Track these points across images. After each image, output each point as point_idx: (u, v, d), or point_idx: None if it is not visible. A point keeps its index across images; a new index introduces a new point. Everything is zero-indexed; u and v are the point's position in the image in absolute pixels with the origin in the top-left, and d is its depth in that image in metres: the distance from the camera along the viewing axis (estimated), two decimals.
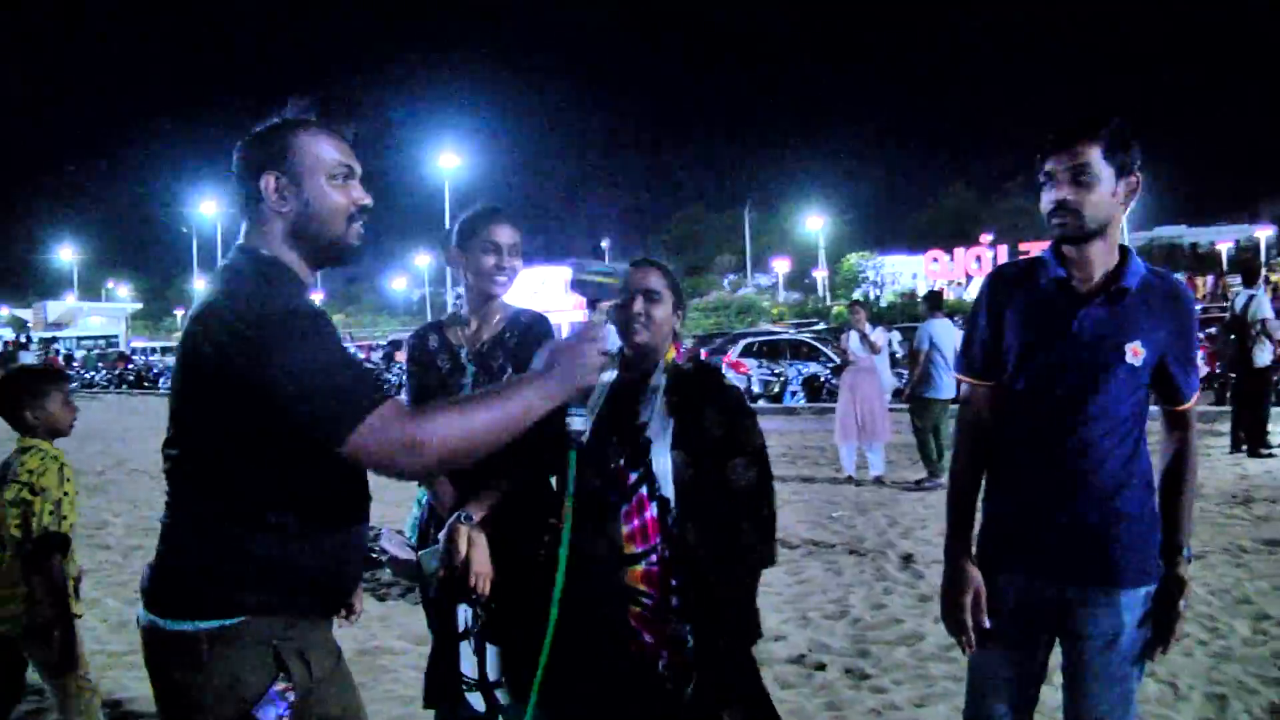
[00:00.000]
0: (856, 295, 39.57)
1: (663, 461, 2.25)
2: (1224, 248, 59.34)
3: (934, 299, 9.39)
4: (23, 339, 32.13)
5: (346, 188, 1.74)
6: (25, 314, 60.30)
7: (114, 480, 10.52)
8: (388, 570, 5.75)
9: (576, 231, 74.84)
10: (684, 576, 2.24)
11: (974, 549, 2.19)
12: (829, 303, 44.70)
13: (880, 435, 8.88)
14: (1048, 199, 2.02)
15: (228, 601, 1.59)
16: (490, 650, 2.49)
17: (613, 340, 1.86)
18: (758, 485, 2.26)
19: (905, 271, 47.96)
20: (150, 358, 40.39)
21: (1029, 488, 2.12)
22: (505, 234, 2.55)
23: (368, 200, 1.77)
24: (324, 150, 1.72)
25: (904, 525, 6.85)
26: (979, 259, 39.03)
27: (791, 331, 24.69)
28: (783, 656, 4.25)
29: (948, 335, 8.74)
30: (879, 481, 8.71)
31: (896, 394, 10.63)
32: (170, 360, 34.41)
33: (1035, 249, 37.02)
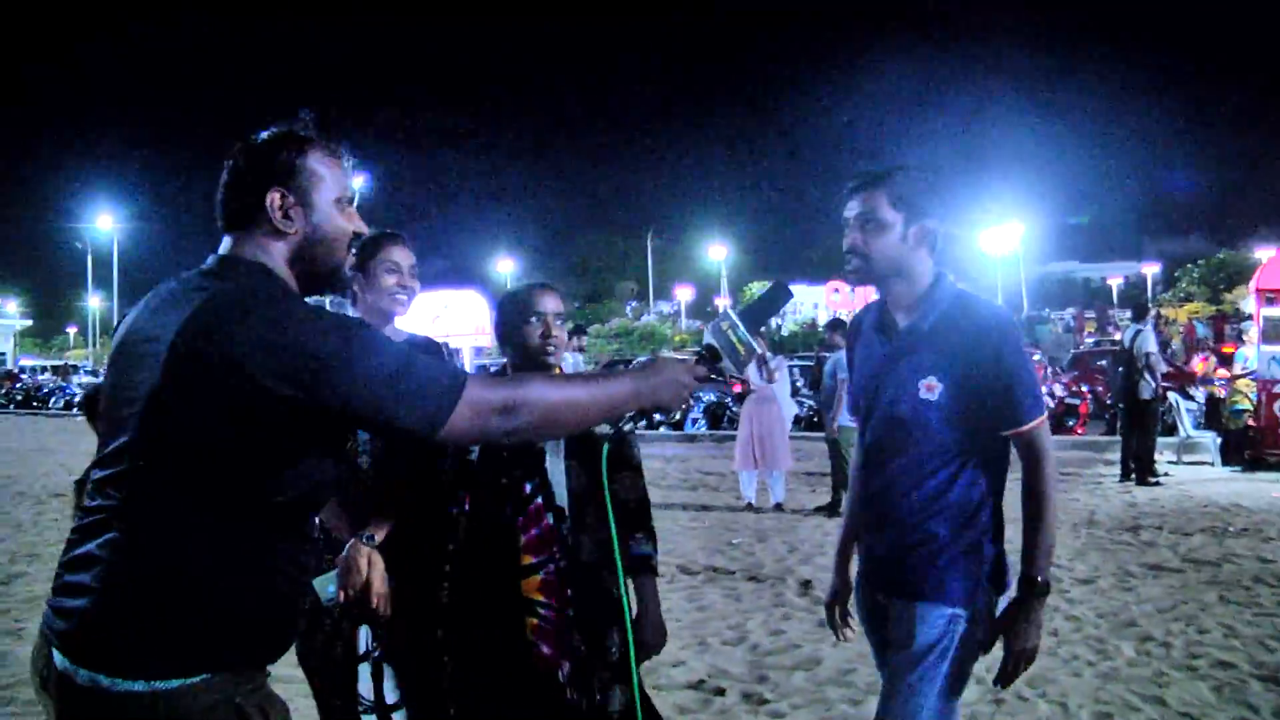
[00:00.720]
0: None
1: (557, 471, 2.31)
2: (1115, 283, 62.54)
3: (842, 327, 9.50)
4: None
5: (349, 214, 1.67)
6: None
7: None
8: None
9: (479, 254, 74.16)
10: (578, 586, 2.29)
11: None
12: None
13: (780, 463, 9.02)
14: (844, 243, 2.19)
15: (191, 656, 1.42)
16: (388, 672, 2.47)
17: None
18: (643, 497, 2.39)
19: (807, 301, 49.02)
20: (39, 376, 38.35)
21: (862, 511, 2.35)
22: (405, 256, 2.61)
23: (364, 229, 1.71)
24: (333, 173, 1.64)
25: (803, 552, 6.97)
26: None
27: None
28: (681, 682, 4.26)
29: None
30: (779, 508, 8.84)
31: (796, 421, 10.85)
32: (60, 379, 32.74)
33: None
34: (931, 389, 2.09)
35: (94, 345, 59.65)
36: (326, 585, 2.41)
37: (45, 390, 32.29)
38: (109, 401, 1.53)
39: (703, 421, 17.97)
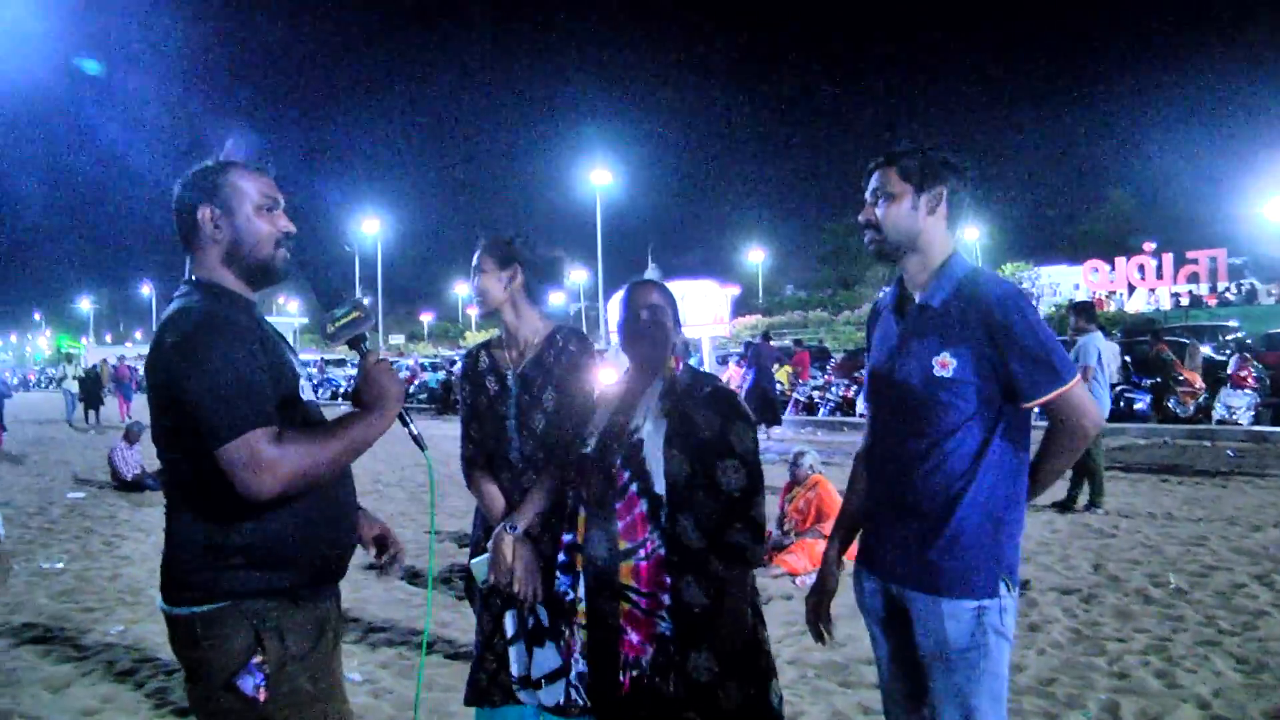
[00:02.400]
0: None
1: (655, 460, 2.34)
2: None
3: (1088, 311, 8.64)
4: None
5: (272, 216, 1.97)
6: None
7: None
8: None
9: (727, 244, 74.83)
10: (675, 573, 2.31)
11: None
12: None
13: None
14: (859, 220, 2.23)
15: (213, 589, 1.80)
16: (537, 652, 2.59)
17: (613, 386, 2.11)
18: (748, 487, 2.33)
19: (1065, 282, 45.61)
20: (325, 371, 42.68)
21: (872, 497, 2.28)
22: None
23: (291, 228, 2.00)
24: (251, 185, 1.96)
25: (1024, 549, 6.53)
26: (1141, 268, 36.57)
27: None
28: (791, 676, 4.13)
29: (1107, 351, 8.27)
30: None
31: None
32: (340, 372, 36.23)
33: (1204, 257, 34.94)
34: (945, 366, 2.07)
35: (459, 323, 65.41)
36: (481, 568, 2.62)
37: (315, 383, 35.81)
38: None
39: None
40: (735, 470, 2.31)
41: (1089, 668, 4.17)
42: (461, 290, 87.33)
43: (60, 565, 6.72)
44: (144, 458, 10.68)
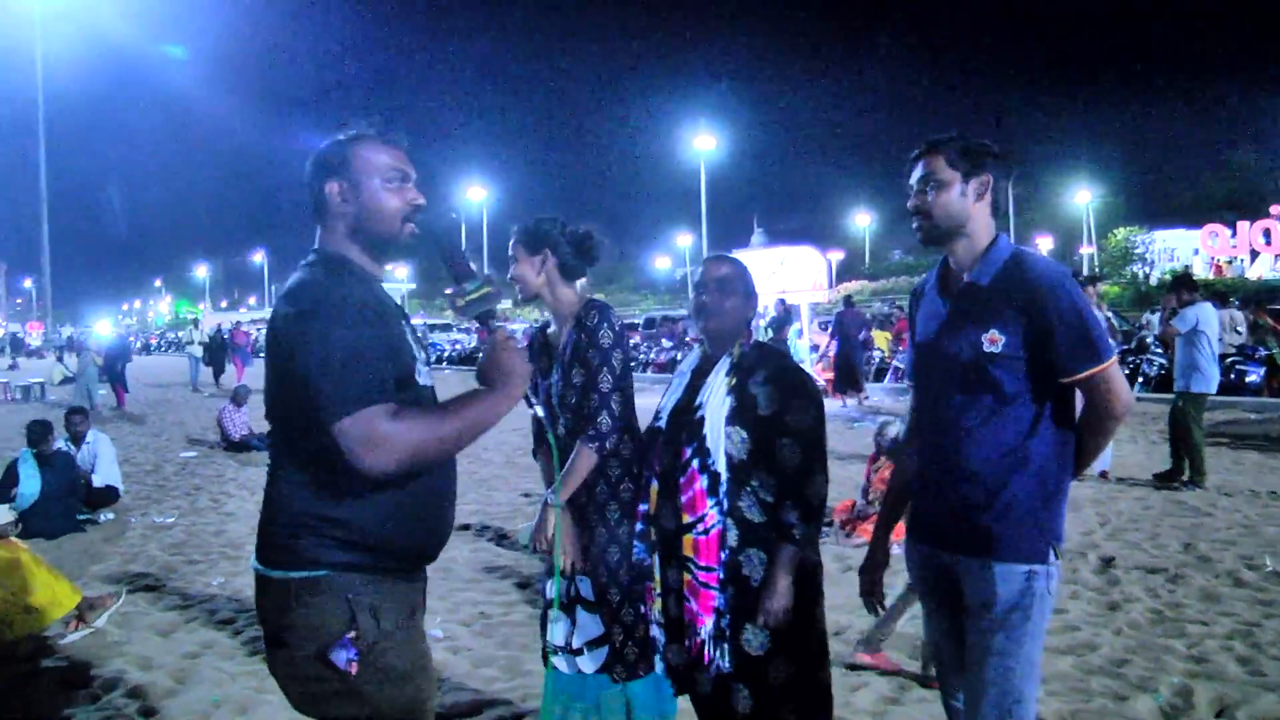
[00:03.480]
0: (1125, 274, 36.44)
1: (716, 436, 2.39)
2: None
3: (1188, 282, 8.42)
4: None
5: (400, 190, 1.95)
6: None
7: None
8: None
9: (833, 209, 73.51)
10: (735, 547, 2.37)
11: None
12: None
13: None
14: (908, 206, 2.29)
15: (311, 557, 1.81)
16: (581, 619, 2.66)
17: (686, 360, 2.36)
18: (802, 466, 2.36)
19: (1182, 247, 43.49)
20: (429, 335, 43.74)
21: (923, 468, 2.36)
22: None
23: (421, 200, 1.98)
24: (380, 158, 1.94)
25: (1115, 525, 6.35)
26: (1267, 233, 34.55)
27: None
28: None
29: (1213, 320, 7.97)
30: (1103, 477, 8.05)
31: (1146, 381, 9.81)
32: (444, 337, 36.97)
33: None
34: (995, 341, 2.15)
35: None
36: (524, 534, 2.74)
37: (438, 349, 36.49)
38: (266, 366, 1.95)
39: None
40: (790, 448, 2.35)
41: (1165, 650, 4.07)
42: None
43: (171, 520, 7.17)
44: (251, 419, 11.24)
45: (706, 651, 2.39)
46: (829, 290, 20.97)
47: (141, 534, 6.73)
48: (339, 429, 1.70)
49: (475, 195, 61.09)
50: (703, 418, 2.43)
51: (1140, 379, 13.68)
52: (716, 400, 2.43)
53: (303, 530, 1.82)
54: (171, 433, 13.27)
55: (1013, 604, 2.13)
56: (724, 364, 2.48)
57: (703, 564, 2.40)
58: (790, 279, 16.83)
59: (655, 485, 2.52)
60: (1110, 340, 2.16)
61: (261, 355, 2.02)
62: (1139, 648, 4.11)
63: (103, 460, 7.60)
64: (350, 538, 1.82)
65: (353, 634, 1.80)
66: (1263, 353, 14.14)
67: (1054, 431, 2.18)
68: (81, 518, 6.91)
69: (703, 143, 44.75)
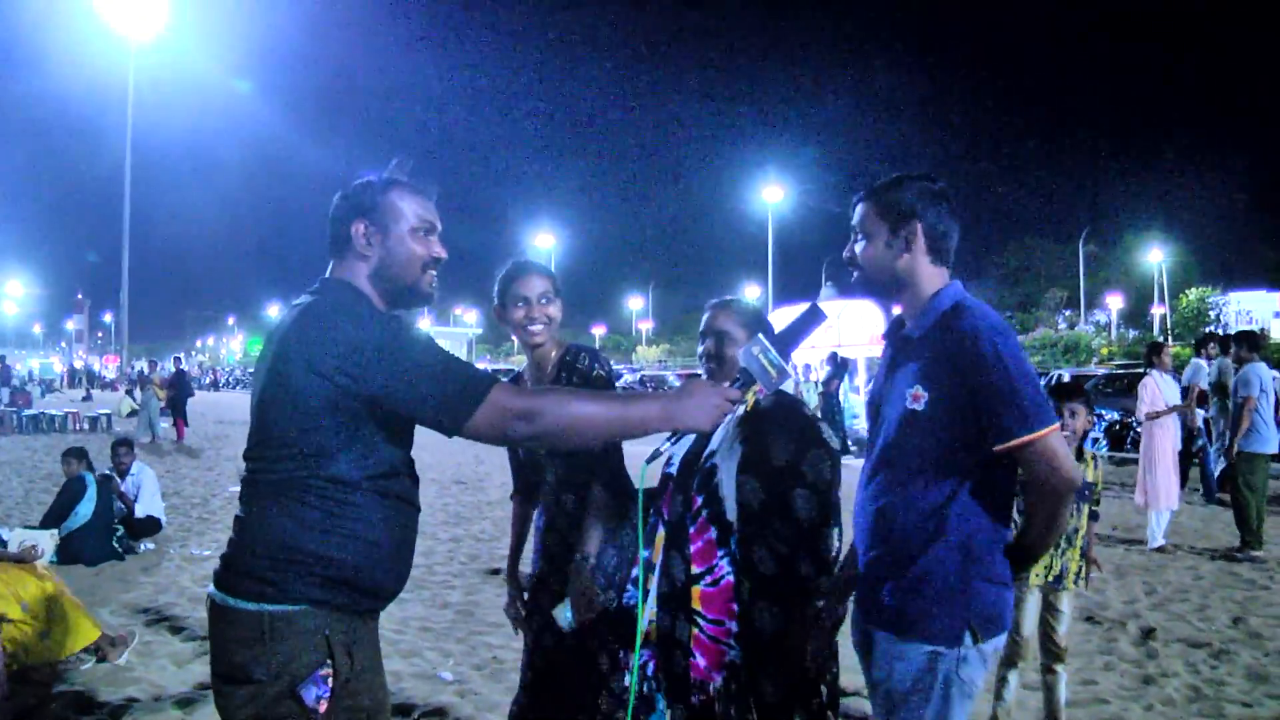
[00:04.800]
0: (1203, 333, 35.24)
1: (728, 486, 2.32)
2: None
3: (1252, 340, 8.17)
4: None
5: (426, 240, 1.97)
6: None
7: None
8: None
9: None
10: (747, 600, 2.28)
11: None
12: (1170, 342, 40.44)
13: (1161, 500, 7.69)
14: (844, 256, 2.22)
15: (291, 591, 1.78)
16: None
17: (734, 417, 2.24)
18: (817, 518, 2.26)
19: (1260, 309, 42.14)
20: None
21: (855, 527, 2.21)
22: (532, 286, 2.62)
23: (442, 253, 2.00)
24: (409, 205, 1.96)
25: (1160, 595, 6.08)
26: None
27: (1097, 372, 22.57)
28: None
29: (1268, 380, 7.72)
30: (1161, 551, 7.56)
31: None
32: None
33: None
34: (918, 399, 2.00)
35: (632, 336, 67.47)
36: (564, 613, 2.59)
37: None
38: (254, 391, 1.94)
39: (1103, 442, 16.27)
40: (806, 500, 2.26)
41: None
42: (634, 304, 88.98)
43: (207, 553, 7.28)
44: None
45: (718, 707, 2.30)
46: None
47: (177, 565, 6.85)
48: (478, 419, 1.74)
49: (544, 242, 62.00)
50: (714, 465, 2.37)
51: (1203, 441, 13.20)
52: (727, 449, 2.36)
53: (283, 564, 1.78)
54: (225, 468, 13.54)
55: (909, 686, 1.98)
56: (736, 412, 2.39)
57: (712, 617, 2.32)
58: (846, 332, 16.66)
59: (662, 533, 2.46)
60: (1050, 407, 1.94)
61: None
62: None
63: (145, 491, 7.78)
64: (330, 574, 1.79)
65: (326, 670, 1.78)
66: None
67: (983, 505, 1.98)
68: (121, 547, 7.06)
69: (771, 194, 44.94)
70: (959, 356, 1.95)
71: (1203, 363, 9.37)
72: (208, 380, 57.13)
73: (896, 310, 2.24)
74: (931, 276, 2.11)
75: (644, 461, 2.02)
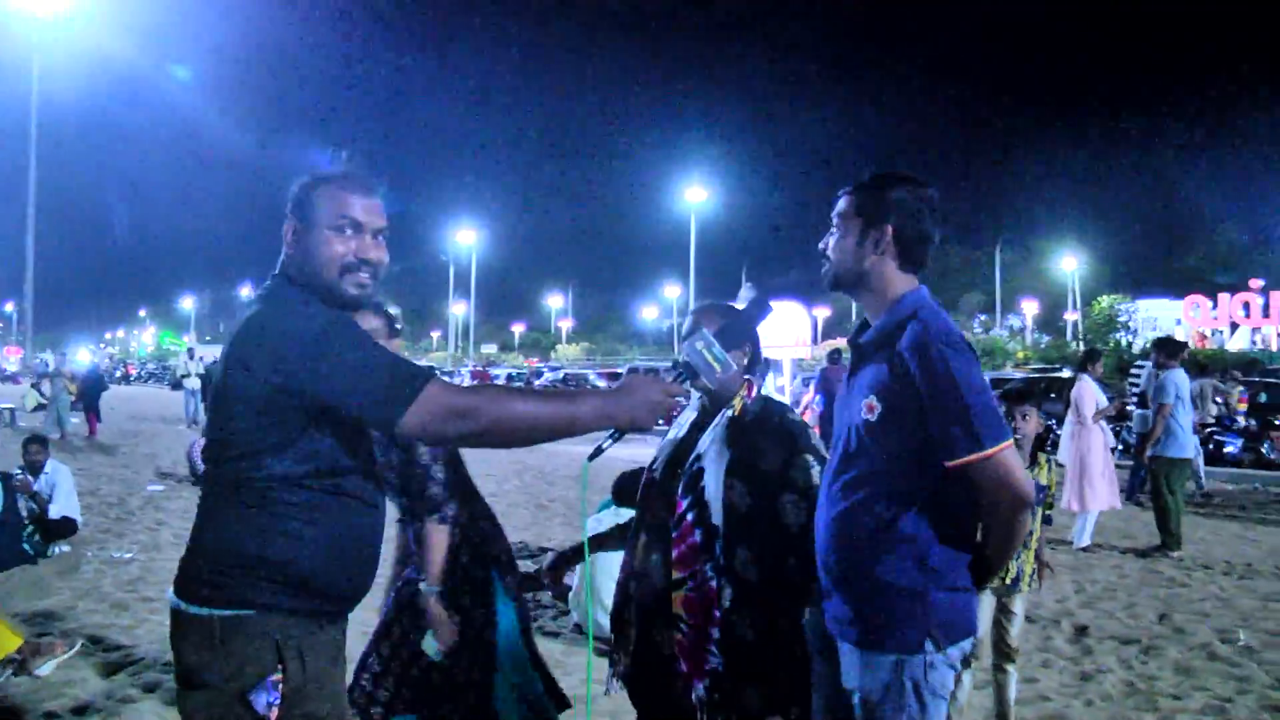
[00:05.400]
0: (1109, 341, 36.60)
1: (715, 490, 2.28)
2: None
3: (1172, 346, 8.43)
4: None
5: (348, 239, 1.87)
6: None
7: None
8: (549, 593, 5.98)
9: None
10: (729, 606, 2.25)
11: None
12: (1080, 348, 41.87)
13: (1090, 502, 7.95)
14: (819, 246, 2.18)
15: (241, 595, 1.75)
16: None
17: (686, 412, 2.24)
18: (806, 524, 2.24)
19: (1165, 317, 44.03)
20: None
21: (815, 535, 2.15)
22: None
23: (371, 255, 1.89)
24: (334, 202, 1.88)
25: (1089, 594, 6.26)
26: (1246, 306, 35.21)
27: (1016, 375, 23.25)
28: None
29: (1185, 388, 8.01)
30: (1086, 551, 7.86)
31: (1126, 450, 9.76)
32: None
33: None
34: (871, 410, 1.98)
35: (454, 348, 67.15)
36: (430, 644, 2.70)
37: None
38: (211, 396, 1.90)
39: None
40: (794, 506, 2.24)
41: None
42: (554, 302, 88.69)
43: (129, 555, 6.98)
44: None
45: (700, 716, 2.26)
46: (812, 347, 21.04)
47: (97, 569, 6.54)
48: (412, 417, 1.68)
49: (465, 239, 61.32)
50: (702, 469, 2.32)
51: (1119, 447, 13.68)
52: (715, 453, 2.32)
53: (232, 568, 1.76)
54: (141, 465, 13.04)
55: (880, 695, 1.98)
56: (724, 415, 2.37)
57: (693, 623, 2.28)
58: (772, 334, 16.81)
59: (643, 539, 2.42)
60: (1002, 423, 1.93)
61: None
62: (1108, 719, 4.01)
63: (61, 491, 7.40)
64: (281, 577, 1.76)
65: (276, 676, 1.74)
66: (1240, 424, 14.19)
67: (940, 516, 1.97)
68: (33, 550, 6.72)
69: (694, 195, 45.19)
70: (908, 368, 1.93)
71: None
72: (119, 374, 55.09)
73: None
74: (897, 280, 2.09)
75: (585, 459, 1.99)
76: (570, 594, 5.28)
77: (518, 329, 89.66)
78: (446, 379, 1.76)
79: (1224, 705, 4.21)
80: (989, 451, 1.87)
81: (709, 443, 2.35)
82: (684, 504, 2.32)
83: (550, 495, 10.77)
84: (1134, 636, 5.26)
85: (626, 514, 5.35)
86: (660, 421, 1.91)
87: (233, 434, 1.77)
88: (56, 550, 6.97)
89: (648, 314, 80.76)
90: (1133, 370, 10.03)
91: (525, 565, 6.83)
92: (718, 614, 2.25)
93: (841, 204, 2.14)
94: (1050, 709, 4.16)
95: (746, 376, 2.42)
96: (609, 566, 4.92)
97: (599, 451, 1.95)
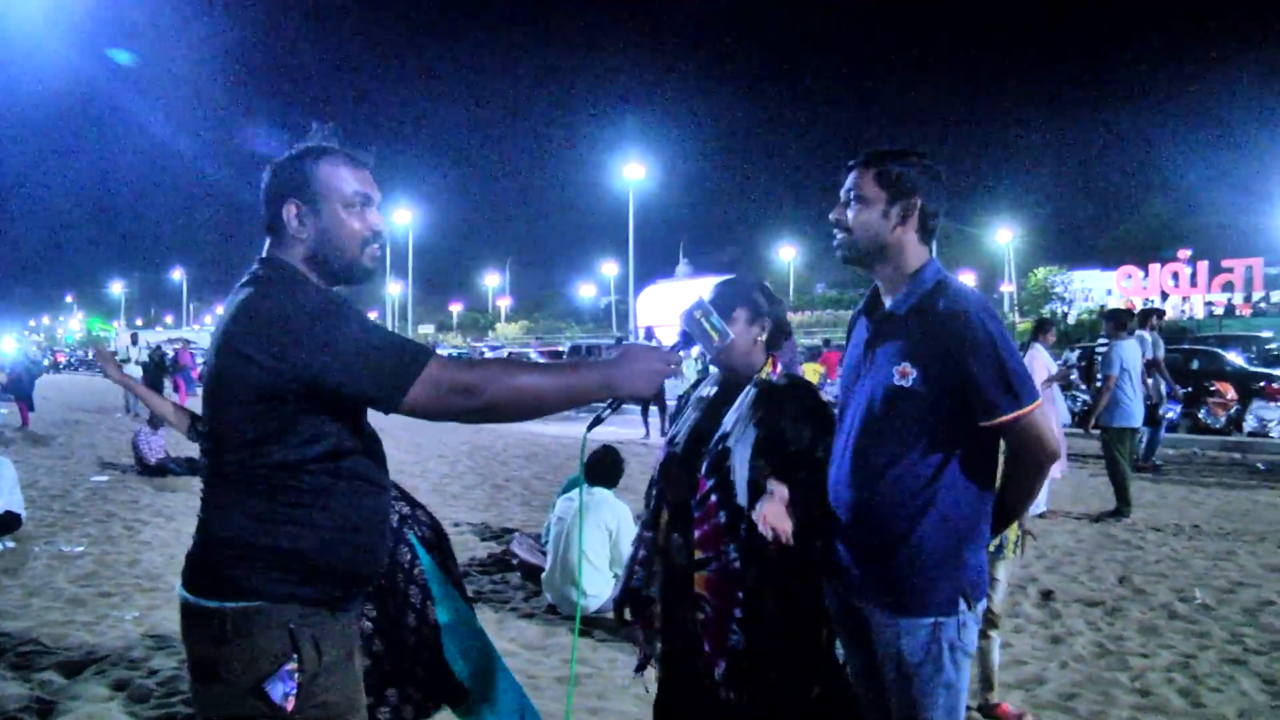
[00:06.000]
0: (1044, 312, 37.58)
1: (741, 470, 2.26)
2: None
3: (1120, 318, 8.66)
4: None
5: (362, 214, 1.85)
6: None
7: None
8: (518, 574, 5.93)
9: (760, 241, 74.55)
10: (751, 585, 2.24)
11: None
12: (1015, 319, 42.82)
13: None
14: (830, 218, 2.18)
15: (251, 587, 1.71)
16: None
17: (705, 386, 2.29)
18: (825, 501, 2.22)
19: (1098, 287, 45.20)
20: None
21: (834, 506, 2.18)
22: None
23: (381, 226, 1.88)
24: (341, 178, 1.84)
25: (1050, 559, 6.41)
26: (1176, 276, 36.36)
27: None
28: None
29: (1137, 357, 8.22)
30: (1041, 518, 8.09)
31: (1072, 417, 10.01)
32: None
33: (1239, 266, 34.38)
34: (905, 375, 2.02)
35: (392, 328, 66.25)
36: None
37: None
38: (204, 384, 1.85)
39: None
40: (810, 479, 2.24)
41: (1112, 684, 4.08)
42: (491, 281, 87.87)
43: (80, 549, 6.75)
44: (168, 443, 10.77)
45: (721, 693, 2.26)
46: None
47: (47, 564, 6.30)
48: (415, 394, 1.65)
49: (401, 218, 60.41)
50: (728, 449, 2.30)
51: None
52: (742, 431, 2.30)
53: (241, 558, 1.72)
54: (82, 456, 12.63)
55: (920, 658, 2.04)
56: (749, 393, 2.35)
57: (714, 603, 2.26)
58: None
59: (666, 514, 2.41)
60: (1033, 382, 2.04)
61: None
62: (1085, 681, 4.11)
63: (4, 484, 7.15)
64: (292, 565, 1.73)
65: (291, 665, 1.71)
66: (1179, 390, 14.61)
67: (969, 476, 2.04)
68: None
69: (632, 171, 44.96)
70: (949, 334, 1.99)
71: (1145, 334, 9.81)
72: (47, 362, 53.34)
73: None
74: (917, 252, 2.15)
75: (584, 430, 1.98)
76: (544, 575, 5.25)
77: (455, 308, 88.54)
78: (445, 359, 1.72)
79: (1189, 661, 4.35)
80: (1028, 409, 1.98)
81: (734, 421, 2.33)
82: (708, 484, 2.30)
83: (506, 475, 10.69)
84: (1098, 599, 5.40)
85: (600, 492, 5.35)
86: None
87: (233, 422, 1.73)
88: (2, 546, 6.74)
89: (586, 292, 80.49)
90: (1098, 345, 10.31)
91: (490, 546, 6.80)
92: (740, 595, 2.25)
93: (859, 175, 2.14)
94: (1029, 672, 4.25)
95: (771, 352, 2.40)
96: (580, 542, 4.90)
97: (598, 421, 1.95)
